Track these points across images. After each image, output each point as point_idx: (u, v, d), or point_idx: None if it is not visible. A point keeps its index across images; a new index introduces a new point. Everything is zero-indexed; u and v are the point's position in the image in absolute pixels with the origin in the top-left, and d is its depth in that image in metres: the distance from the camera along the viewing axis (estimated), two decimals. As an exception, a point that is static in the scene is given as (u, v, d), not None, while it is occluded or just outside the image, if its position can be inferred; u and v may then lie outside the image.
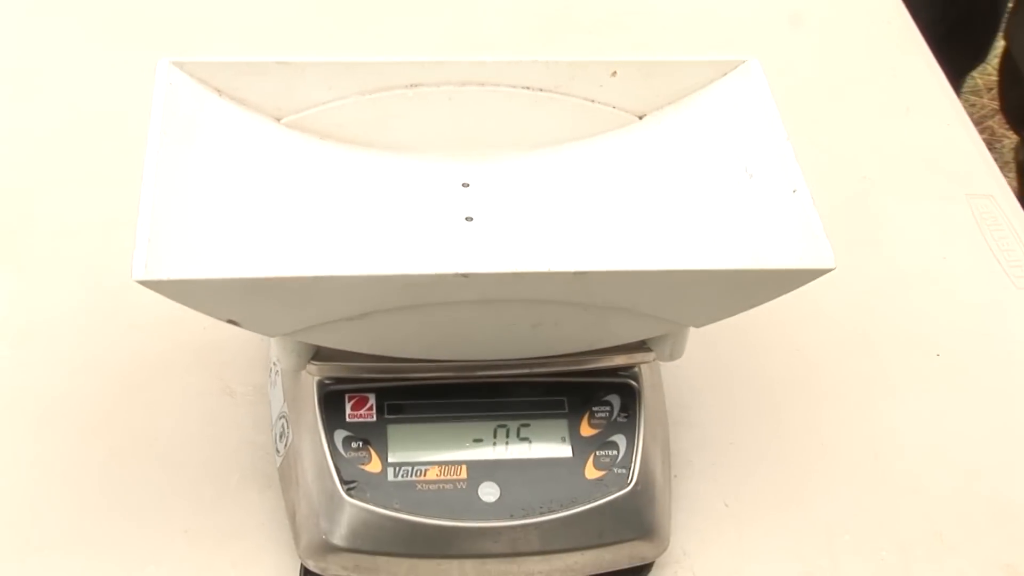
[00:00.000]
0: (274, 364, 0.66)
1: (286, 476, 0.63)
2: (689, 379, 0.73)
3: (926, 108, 0.98)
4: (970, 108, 1.98)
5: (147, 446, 0.67)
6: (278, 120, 0.66)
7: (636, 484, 0.61)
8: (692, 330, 0.61)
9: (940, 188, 0.89)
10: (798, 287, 0.56)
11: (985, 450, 0.72)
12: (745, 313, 0.59)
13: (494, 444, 0.61)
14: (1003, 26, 1.59)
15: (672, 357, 0.63)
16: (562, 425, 0.62)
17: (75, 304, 0.73)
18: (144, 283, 0.50)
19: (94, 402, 0.68)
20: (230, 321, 0.55)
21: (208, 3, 1.01)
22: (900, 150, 0.93)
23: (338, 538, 0.59)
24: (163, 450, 0.67)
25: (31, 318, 0.73)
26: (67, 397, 0.69)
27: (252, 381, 0.70)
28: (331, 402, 0.61)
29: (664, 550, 0.63)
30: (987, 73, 2.04)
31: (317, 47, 0.97)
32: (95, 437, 0.67)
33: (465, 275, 0.51)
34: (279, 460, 0.64)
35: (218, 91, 0.64)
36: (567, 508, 0.60)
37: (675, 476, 0.68)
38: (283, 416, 0.64)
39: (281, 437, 0.64)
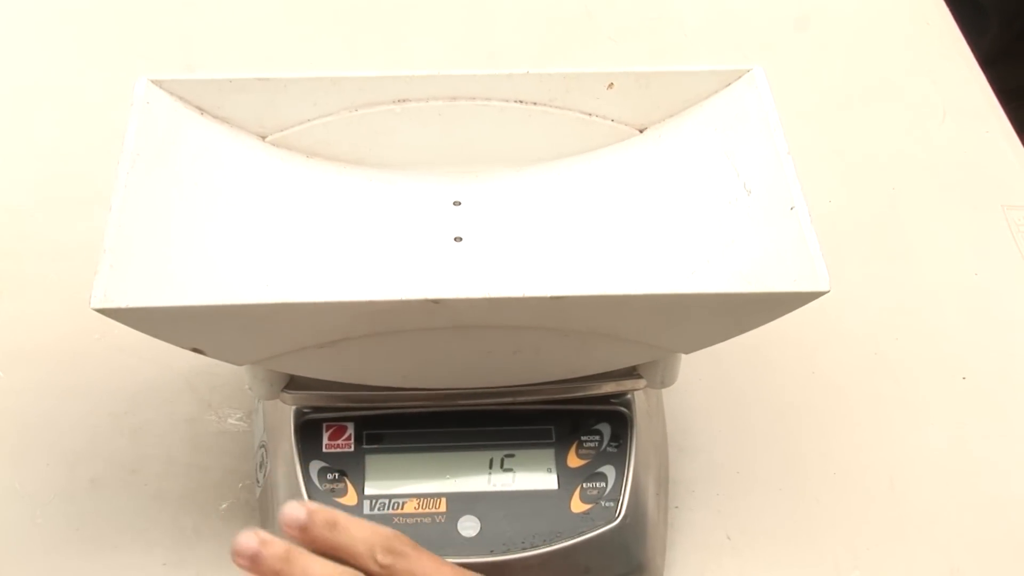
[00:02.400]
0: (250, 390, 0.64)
1: (264, 507, 0.61)
2: (695, 403, 0.70)
3: (964, 113, 0.93)
4: None
5: (130, 474, 0.65)
6: (263, 138, 0.64)
7: (625, 518, 0.58)
8: (697, 351, 0.58)
9: (974, 198, 0.85)
10: (792, 311, 0.53)
11: (1010, 480, 0.68)
12: (755, 332, 0.56)
13: (476, 476, 0.59)
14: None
15: (664, 384, 0.60)
16: (548, 455, 0.59)
17: (63, 327, 0.72)
18: (101, 311, 0.49)
19: (78, 428, 0.67)
20: (195, 350, 0.53)
21: (205, 19, 1.00)
22: (933, 158, 0.89)
23: (312, 573, 0.57)
24: (147, 479, 0.65)
25: (19, 341, 0.72)
26: (50, 422, 0.67)
27: (243, 406, 0.69)
28: (308, 431, 0.59)
29: (657, 587, 0.60)
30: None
31: (339, 63, 0.95)
32: (77, 464, 0.66)
33: (436, 301, 0.49)
34: (259, 490, 0.63)
35: (200, 109, 0.62)
36: (550, 543, 0.57)
37: (676, 507, 0.65)
38: (263, 445, 0.62)
39: (261, 466, 0.62)
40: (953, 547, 0.64)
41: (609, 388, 0.60)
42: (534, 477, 0.59)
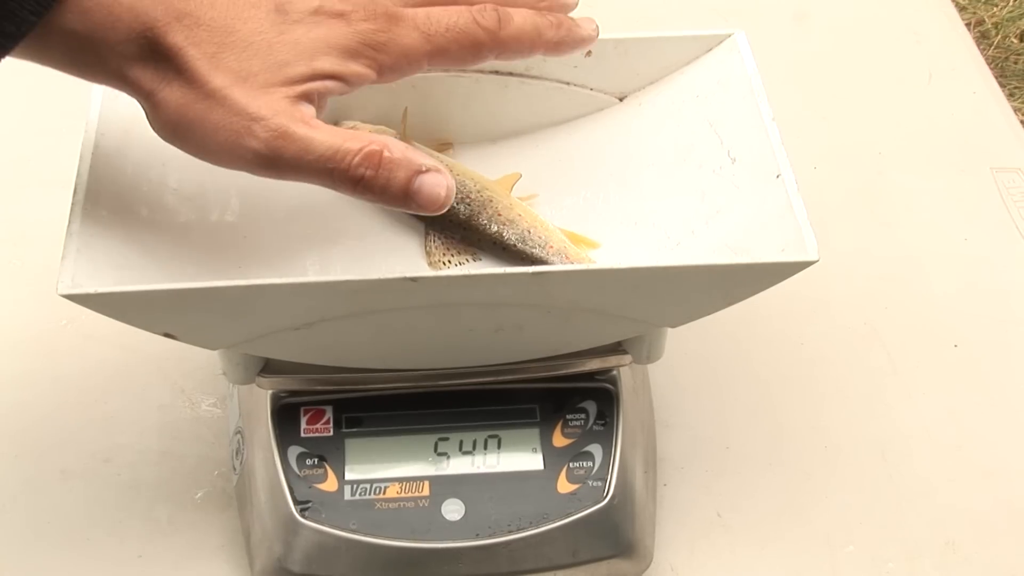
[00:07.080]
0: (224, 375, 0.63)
1: (242, 495, 0.60)
2: (681, 378, 0.68)
3: (951, 74, 0.91)
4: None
5: (102, 464, 0.64)
6: (232, 115, 0.61)
7: (613, 497, 0.56)
8: (683, 325, 0.56)
9: (963, 161, 0.83)
10: (780, 281, 0.51)
11: (1003, 450, 0.66)
12: (742, 304, 0.55)
13: (459, 458, 0.57)
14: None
15: (650, 359, 0.58)
16: (533, 435, 0.58)
17: (29, 314, 0.70)
18: (70, 297, 0.47)
19: (46, 417, 0.65)
20: (166, 335, 0.51)
21: None
22: (920, 121, 0.87)
23: (292, 562, 0.56)
24: (119, 468, 0.63)
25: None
26: (18, 412, 0.66)
27: (217, 392, 0.67)
28: (285, 416, 0.57)
29: (647, 567, 0.59)
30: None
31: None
32: (47, 454, 0.64)
33: (414, 279, 0.47)
34: (235, 478, 0.61)
35: (165, 87, 0.60)
36: (537, 525, 0.56)
37: (664, 484, 0.64)
38: (239, 431, 0.61)
39: (237, 453, 0.61)
40: (947, 519, 0.63)
41: (594, 365, 0.58)
42: (519, 458, 0.57)
